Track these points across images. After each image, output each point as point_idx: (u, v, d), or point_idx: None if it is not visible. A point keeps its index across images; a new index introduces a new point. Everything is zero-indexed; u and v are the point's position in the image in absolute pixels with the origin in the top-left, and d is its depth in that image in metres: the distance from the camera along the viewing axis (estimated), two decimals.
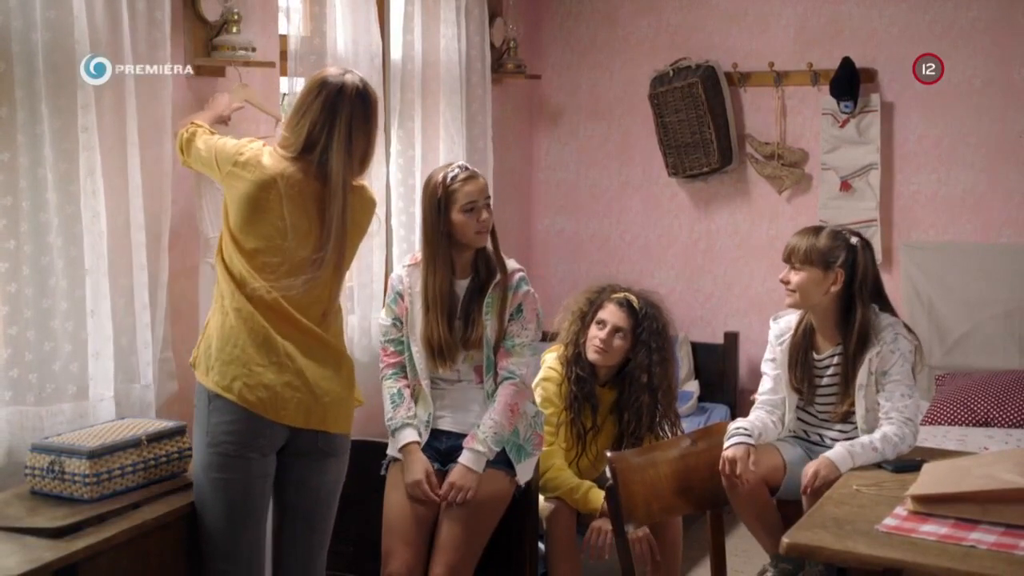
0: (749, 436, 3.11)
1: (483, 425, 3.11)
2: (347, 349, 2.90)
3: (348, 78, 2.73)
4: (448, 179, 3.11)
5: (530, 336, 3.20)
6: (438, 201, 3.11)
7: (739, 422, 3.20)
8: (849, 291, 3.18)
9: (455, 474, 3.07)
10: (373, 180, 4.14)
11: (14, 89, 2.75)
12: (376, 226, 3.32)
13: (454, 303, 3.18)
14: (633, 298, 3.46)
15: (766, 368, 3.35)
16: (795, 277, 3.19)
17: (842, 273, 3.16)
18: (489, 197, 3.18)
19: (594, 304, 3.47)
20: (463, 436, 3.16)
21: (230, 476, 2.65)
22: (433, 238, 3.14)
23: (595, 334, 3.41)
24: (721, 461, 3.06)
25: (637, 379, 3.40)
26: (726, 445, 3.09)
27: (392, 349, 3.23)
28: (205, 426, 2.67)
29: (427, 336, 3.16)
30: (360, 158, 2.76)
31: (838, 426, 3.23)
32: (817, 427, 3.29)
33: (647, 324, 3.41)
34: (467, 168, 3.17)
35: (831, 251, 3.17)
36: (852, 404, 3.17)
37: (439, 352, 3.15)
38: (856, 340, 3.15)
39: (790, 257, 3.21)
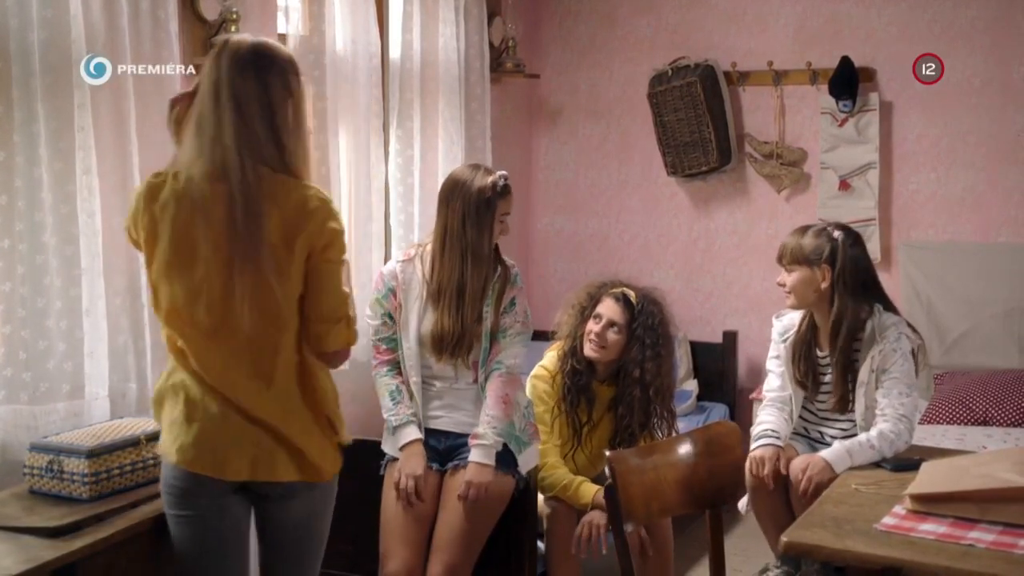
0: (778, 438, 3.13)
1: (481, 423, 3.12)
2: (326, 404, 2.48)
3: (231, 38, 2.41)
4: (499, 186, 3.15)
5: (519, 328, 3.22)
6: (487, 204, 3.13)
7: (766, 423, 3.21)
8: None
9: (470, 472, 3.07)
10: (372, 179, 4.16)
11: (11, 88, 2.76)
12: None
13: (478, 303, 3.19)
14: (631, 293, 3.45)
15: (771, 366, 3.36)
16: (789, 278, 3.23)
17: (828, 269, 3.18)
18: None
19: (593, 299, 3.48)
20: (462, 436, 3.17)
21: (187, 513, 2.44)
22: (479, 241, 3.13)
23: (591, 328, 3.42)
24: (749, 461, 3.07)
25: (630, 373, 3.39)
26: (754, 446, 3.11)
27: (384, 347, 3.23)
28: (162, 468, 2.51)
29: (444, 329, 3.14)
30: (262, 119, 2.31)
31: (839, 424, 3.23)
32: (817, 424, 3.30)
33: (642, 319, 3.41)
34: (508, 179, 3.21)
35: (814, 249, 3.20)
36: (852, 396, 3.17)
37: (453, 345, 3.14)
38: (832, 330, 3.17)
39: (781, 259, 3.25)
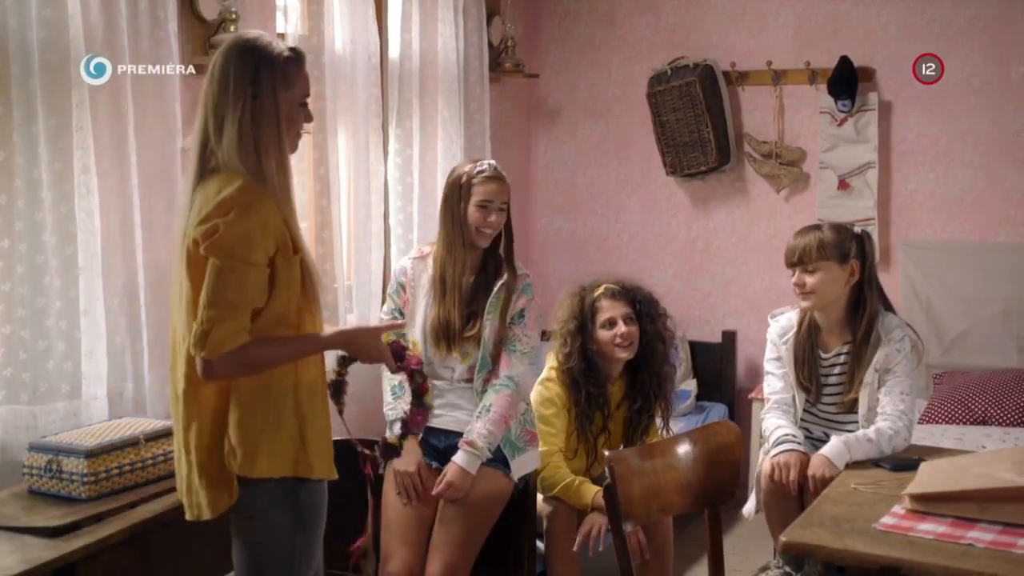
0: (799, 443, 3.11)
1: (476, 430, 3.10)
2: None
3: None
4: (474, 173, 3.15)
5: (531, 342, 3.20)
6: (459, 188, 3.14)
7: (783, 427, 3.18)
8: (859, 285, 3.17)
9: (451, 473, 3.06)
10: (371, 179, 4.16)
11: (10, 88, 2.76)
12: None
13: (464, 295, 3.18)
14: (614, 285, 3.46)
15: (771, 368, 3.33)
16: (810, 279, 3.15)
17: (857, 264, 3.16)
18: (506, 203, 3.17)
19: (584, 310, 3.41)
20: (461, 435, 3.16)
21: None
22: (452, 225, 3.16)
23: (612, 334, 3.36)
24: (772, 466, 3.06)
25: (656, 351, 3.42)
26: (775, 451, 3.09)
27: (393, 339, 3.23)
28: None
29: (435, 320, 3.15)
30: (222, 116, 2.25)
31: (846, 427, 3.21)
32: (822, 426, 3.29)
33: (639, 297, 3.46)
34: (496, 168, 3.19)
35: (842, 243, 3.16)
36: (857, 392, 3.17)
37: (445, 337, 3.15)
38: (863, 332, 3.15)
39: (801, 259, 3.16)
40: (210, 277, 2.17)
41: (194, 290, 2.21)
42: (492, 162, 3.22)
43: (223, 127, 2.24)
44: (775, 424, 3.21)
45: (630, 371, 3.46)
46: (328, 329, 2.39)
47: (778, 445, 3.11)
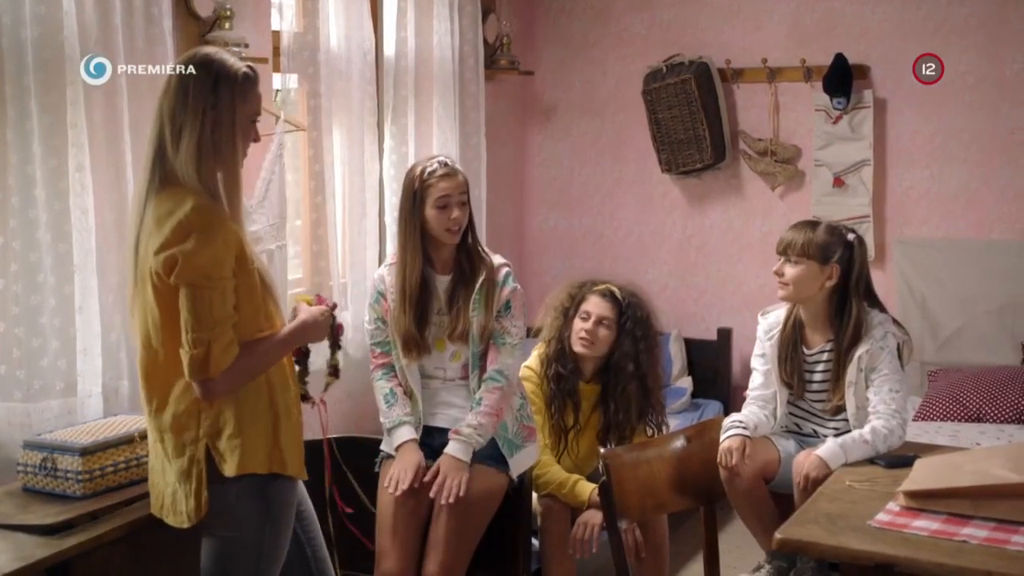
0: (745, 428, 3.14)
1: (466, 421, 3.09)
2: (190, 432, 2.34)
3: None
4: (425, 173, 3.10)
5: (520, 333, 3.19)
6: (414, 194, 3.10)
7: (734, 416, 3.23)
8: (844, 287, 3.18)
9: (443, 465, 3.03)
10: (367, 176, 4.16)
11: (4, 85, 2.75)
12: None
13: (427, 298, 3.15)
14: (615, 289, 3.46)
15: (756, 363, 3.37)
16: (790, 270, 3.19)
17: (837, 269, 3.17)
18: (465, 195, 3.12)
19: (576, 298, 3.46)
20: None
21: None
22: (406, 231, 3.13)
23: (580, 326, 3.41)
24: (719, 454, 3.08)
25: (623, 369, 3.39)
26: (723, 438, 3.12)
27: (379, 351, 3.22)
28: None
29: (396, 329, 3.13)
30: (171, 132, 2.29)
31: (831, 423, 3.24)
32: (810, 421, 3.30)
33: (631, 313, 3.42)
34: (446, 164, 3.13)
35: (828, 246, 3.18)
36: (843, 399, 3.18)
37: (406, 344, 3.14)
38: (850, 336, 3.16)
39: (786, 250, 3.20)
40: (189, 301, 2.21)
41: (164, 315, 2.26)
42: (442, 158, 3.16)
43: (181, 137, 2.26)
44: (731, 415, 3.25)
45: (602, 378, 3.46)
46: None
47: (724, 432, 3.15)
